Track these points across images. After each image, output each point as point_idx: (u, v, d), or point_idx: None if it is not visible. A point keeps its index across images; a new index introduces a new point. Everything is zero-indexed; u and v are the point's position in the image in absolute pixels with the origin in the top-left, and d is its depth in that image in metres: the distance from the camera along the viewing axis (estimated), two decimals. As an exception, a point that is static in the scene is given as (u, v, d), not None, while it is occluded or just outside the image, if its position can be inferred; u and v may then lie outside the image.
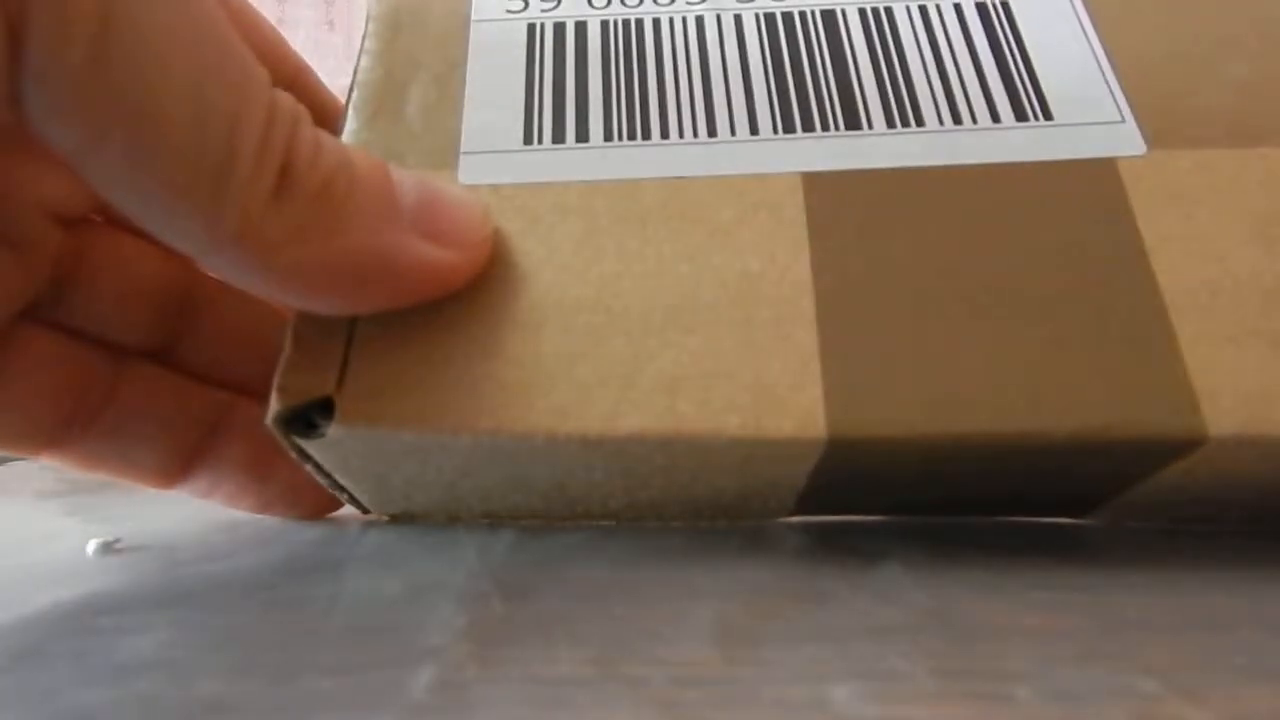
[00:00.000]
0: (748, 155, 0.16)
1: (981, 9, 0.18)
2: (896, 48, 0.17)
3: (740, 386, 0.14)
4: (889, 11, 0.18)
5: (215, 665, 0.12)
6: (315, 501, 0.19)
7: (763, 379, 0.14)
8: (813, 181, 0.16)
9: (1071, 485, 0.16)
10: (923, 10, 0.18)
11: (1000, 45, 0.17)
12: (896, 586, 0.15)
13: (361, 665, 0.12)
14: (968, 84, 0.17)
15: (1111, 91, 0.17)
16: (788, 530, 0.18)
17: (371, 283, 0.14)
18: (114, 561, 0.17)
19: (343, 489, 0.16)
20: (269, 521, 0.20)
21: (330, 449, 0.14)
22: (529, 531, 0.18)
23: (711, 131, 0.16)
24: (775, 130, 0.16)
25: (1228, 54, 0.17)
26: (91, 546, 0.18)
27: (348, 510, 0.20)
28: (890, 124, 0.16)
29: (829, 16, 0.18)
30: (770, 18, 0.18)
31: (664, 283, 0.15)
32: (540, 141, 0.16)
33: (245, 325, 0.18)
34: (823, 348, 0.14)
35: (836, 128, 0.16)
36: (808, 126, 0.16)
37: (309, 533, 0.19)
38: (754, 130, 0.16)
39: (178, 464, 0.18)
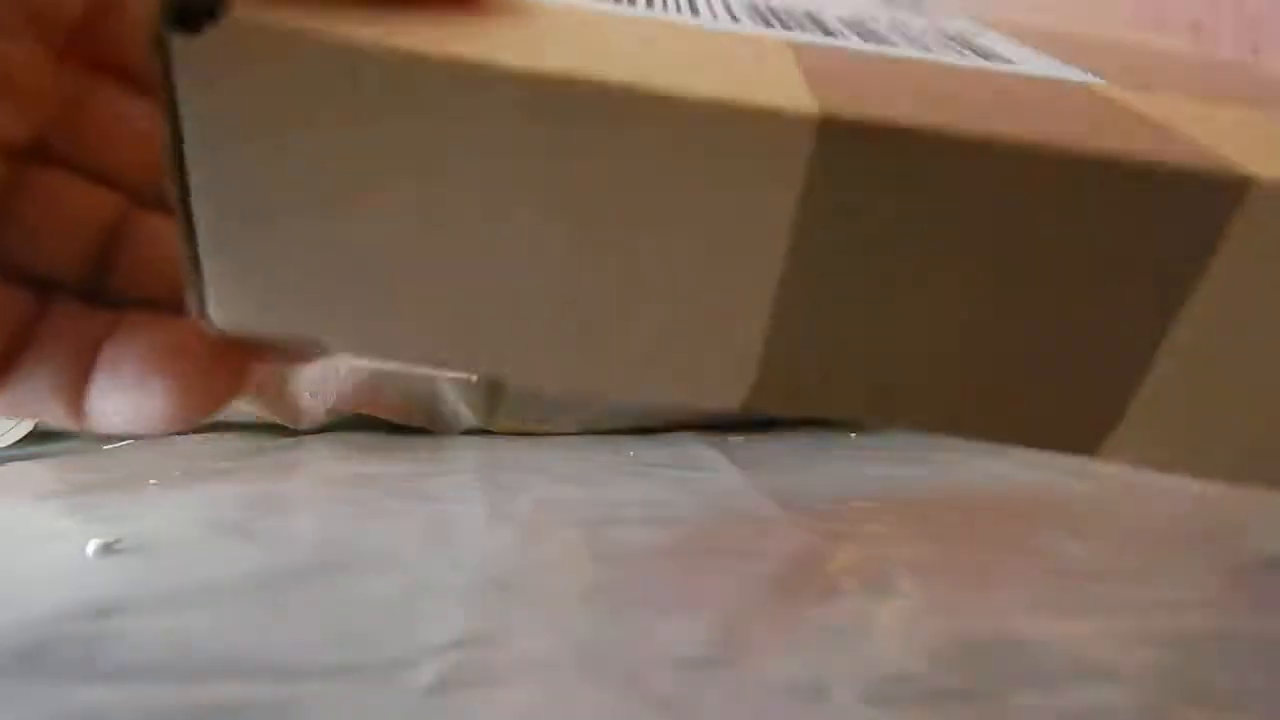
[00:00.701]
0: (733, 28, 0.15)
1: None
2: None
3: (721, 67, 0.12)
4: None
5: (215, 665, 0.13)
6: (201, 400, 0.17)
7: (744, 69, 0.13)
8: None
9: (1101, 305, 0.13)
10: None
11: None
12: (897, 586, 0.15)
13: (361, 665, 0.12)
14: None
15: None
16: (788, 529, 0.18)
17: None
18: (114, 561, 0.17)
19: (200, 284, 0.13)
20: (269, 522, 0.20)
21: (207, 87, 0.11)
22: (529, 532, 0.18)
23: (694, 11, 0.16)
24: (755, 23, 0.16)
25: None
26: (91, 546, 0.18)
27: (348, 510, 0.20)
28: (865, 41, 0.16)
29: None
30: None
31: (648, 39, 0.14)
32: None
33: (175, 257, 0.17)
34: (806, 75, 0.13)
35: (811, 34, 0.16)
36: (786, 27, 0.16)
37: (309, 532, 0.19)
38: (734, 20, 0.16)
39: (81, 395, 0.17)
